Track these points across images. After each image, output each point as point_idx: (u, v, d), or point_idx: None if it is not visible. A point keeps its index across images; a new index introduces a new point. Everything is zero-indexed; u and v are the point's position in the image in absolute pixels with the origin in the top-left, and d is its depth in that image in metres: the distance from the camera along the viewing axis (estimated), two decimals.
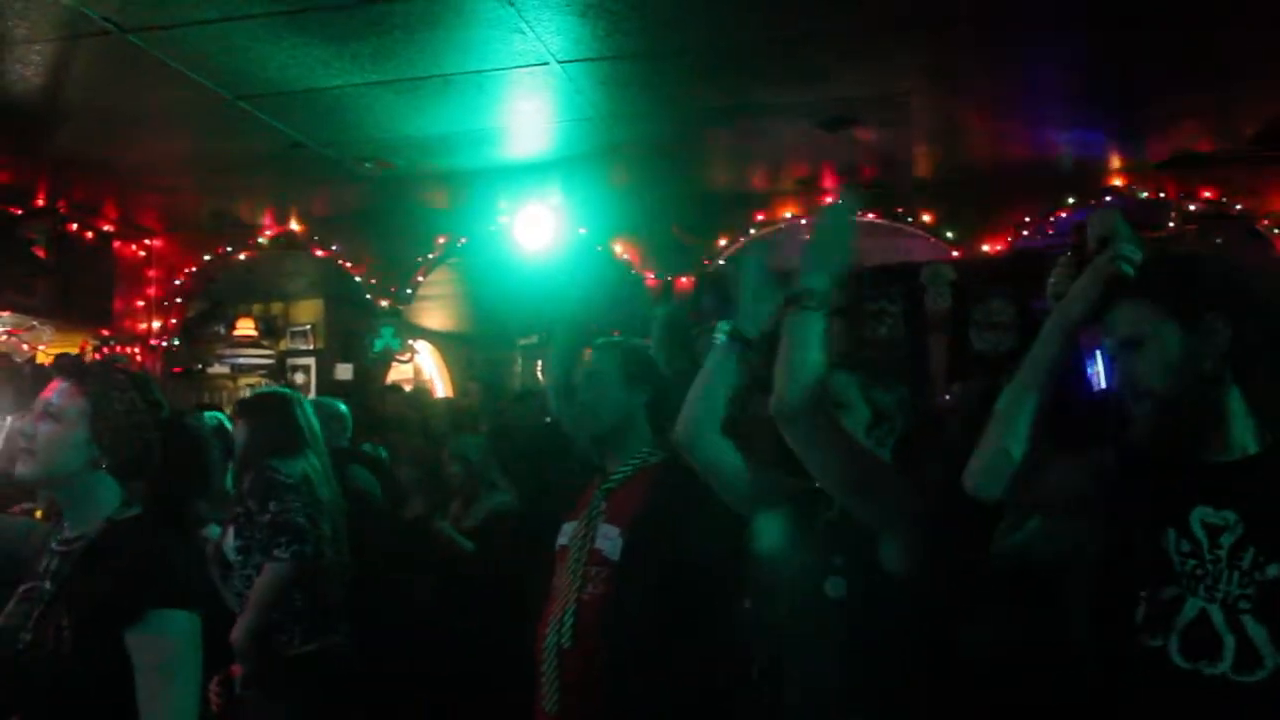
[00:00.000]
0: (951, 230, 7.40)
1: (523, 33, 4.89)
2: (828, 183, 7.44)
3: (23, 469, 2.20)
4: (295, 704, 3.81)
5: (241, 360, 8.74)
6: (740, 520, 2.61)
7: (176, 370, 8.62)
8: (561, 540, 2.92)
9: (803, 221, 7.43)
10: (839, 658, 2.29)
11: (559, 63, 5.26)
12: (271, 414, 4.00)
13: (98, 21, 4.76)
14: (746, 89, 5.75)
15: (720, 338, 2.48)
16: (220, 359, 8.76)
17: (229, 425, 4.23)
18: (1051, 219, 7.22)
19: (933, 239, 7.47)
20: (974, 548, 2.75)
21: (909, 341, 7.44)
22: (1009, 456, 2.04)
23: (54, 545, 2.23)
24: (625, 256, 7.74)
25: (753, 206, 7.62)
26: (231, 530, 3.86)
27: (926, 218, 7.43)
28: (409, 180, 7.22)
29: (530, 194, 7.35)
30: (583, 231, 7.63)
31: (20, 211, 7.41)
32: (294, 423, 3.97)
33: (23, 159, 6.84)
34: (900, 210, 7.44)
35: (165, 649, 2.06)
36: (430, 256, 8.20)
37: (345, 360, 8.62)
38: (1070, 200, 7.16)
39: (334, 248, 8.37)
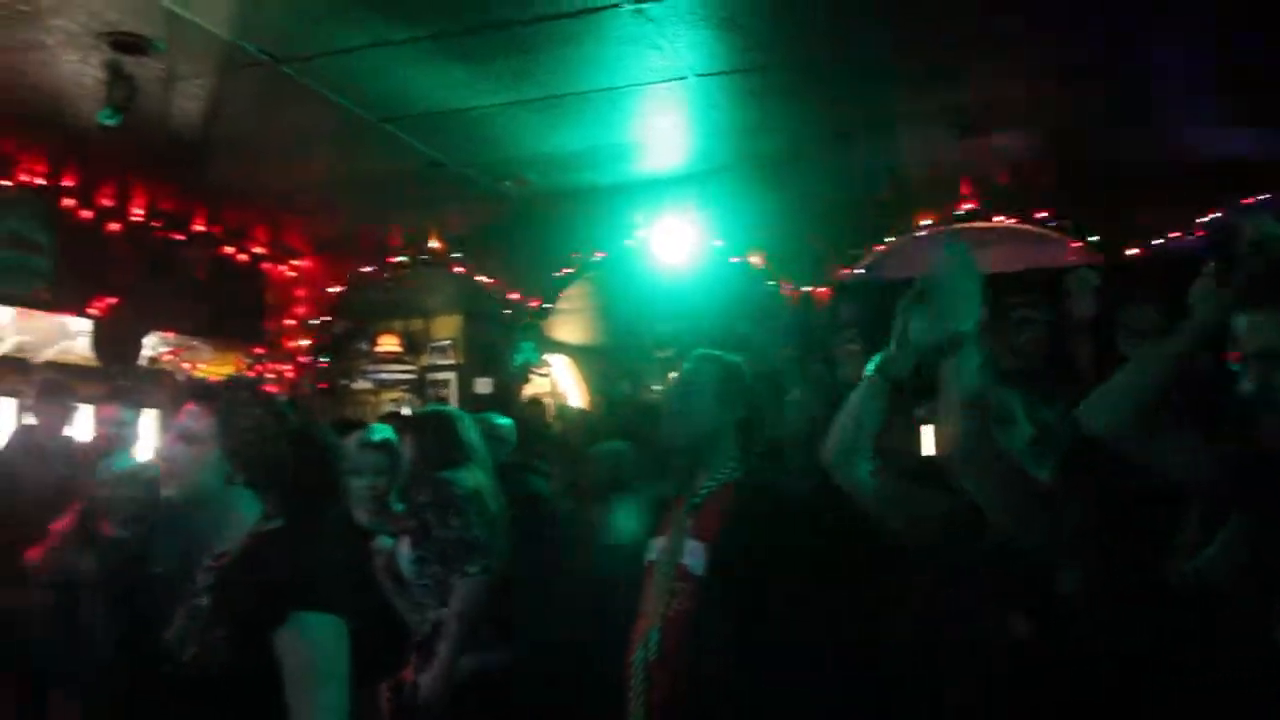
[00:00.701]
0: (1094, 234, 7.18)
1: (660, 48, 4.92)
2: (965, 189, 7.31)
3: (169, 491, 2.31)
4: (462, 717, 3.88)
5: (384, 376, 8.95)
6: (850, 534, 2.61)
7: (323, 386, 8.88)
8: (650, 555, 2.93)
9: (941, 230, 7.32)
10: (1018, 692, 2.25)
11: (696, 76, 5.28)
12: (437, 430, 4.11)
13: (254, 54, 4.96)
14: (882, 97, 5.69)
15: (870, 371, 2.50)
16: (364, 374, 8.98)
17: (394, 439, 4.33)
18: (1200, 220, 6.96)
19: (1075, 243, 7.26)
20: (1147, 565, 2.68)
21: (1053, 349, 7.25)
22: (1127, 397, 2.00)
23: (206, 562, 2.33)
24: (762, 268, 7.72)
25: (889, 215, 7.52)
26: (407, 542, 3.95)
27: (1067, 222, 7.22)
28: (546, 196, 7.31)
29: (666, 207, 7.38)
30: (719, 244, 7.63)
31: (182, 237, 7.76)
32: (458, 438, 4.07)
33: (183, 187, 7.16)
34: (1040, 215, 7.26)
35: (310, 651, 2.13)
36: (567, 271, 8.30)
37: (484, 374, 8.77)
38: (1221, 199, 6.88)
39: (473, 264, 8.53)
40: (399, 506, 4.21)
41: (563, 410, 8.70)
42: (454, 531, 3.86)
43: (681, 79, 5.31)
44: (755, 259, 7.72)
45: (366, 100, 5.51)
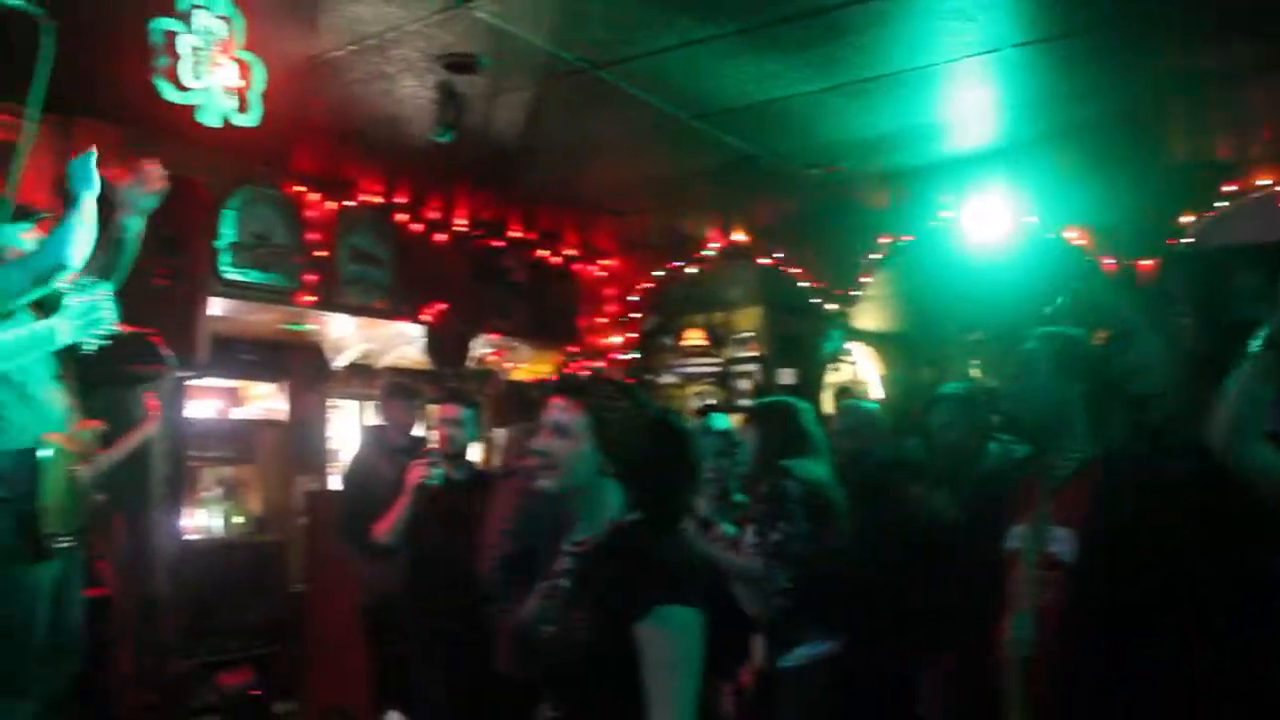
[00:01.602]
0: None
1: (974, 20, 4.77)
2: None
3: (546, 483, 2.39)
4: (792, 711, 3.90)
5: (689, 369, 9.10)
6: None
7: (630, 381, 9.10)
8: (1011, 543, 2.83)
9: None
10: None
11: (1011, 47, 5.09)
12: (781, 420, 4.16)
13: (572, 62, 5.16)
14: (1212, 50, 5.30)
15: (1256, 346, 2.33)
16: (670, 369, 9.17)
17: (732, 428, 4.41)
18: None
19: None
20: None
21: None
22: None
23: (567, 547, 2.43)
24: (1080, 243, 7.35)
25: (1220, 177, 6.98)
26: (750, 530, 4.01)
27: None
28: (853, 182, 7.24)
29: (976, 185, 7.16)
30: (1033, 219, 7.33)
31: (501, 244, 8.18)
32: (801, 429, 4.10)
33: (501, 196, 7.53)
34: None
35: (671, 643, 2.16)
36: (873, 256, 8.19)
37: (787, 365, 8.78)
38: None
39: (777, 254, 8.55)
40: (739, 496, 4.28)
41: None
42: (780, 535, 3.89)
43: (996, 50, 5.13)
44: (1073, 233, 7.36)
45: (679, 98, 5.62)
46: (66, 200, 3.49)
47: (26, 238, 3.55)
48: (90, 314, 2.33)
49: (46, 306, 3.35)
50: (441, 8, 4.59)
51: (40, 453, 3.43)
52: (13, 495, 3.41)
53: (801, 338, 8.71)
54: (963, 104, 5.92)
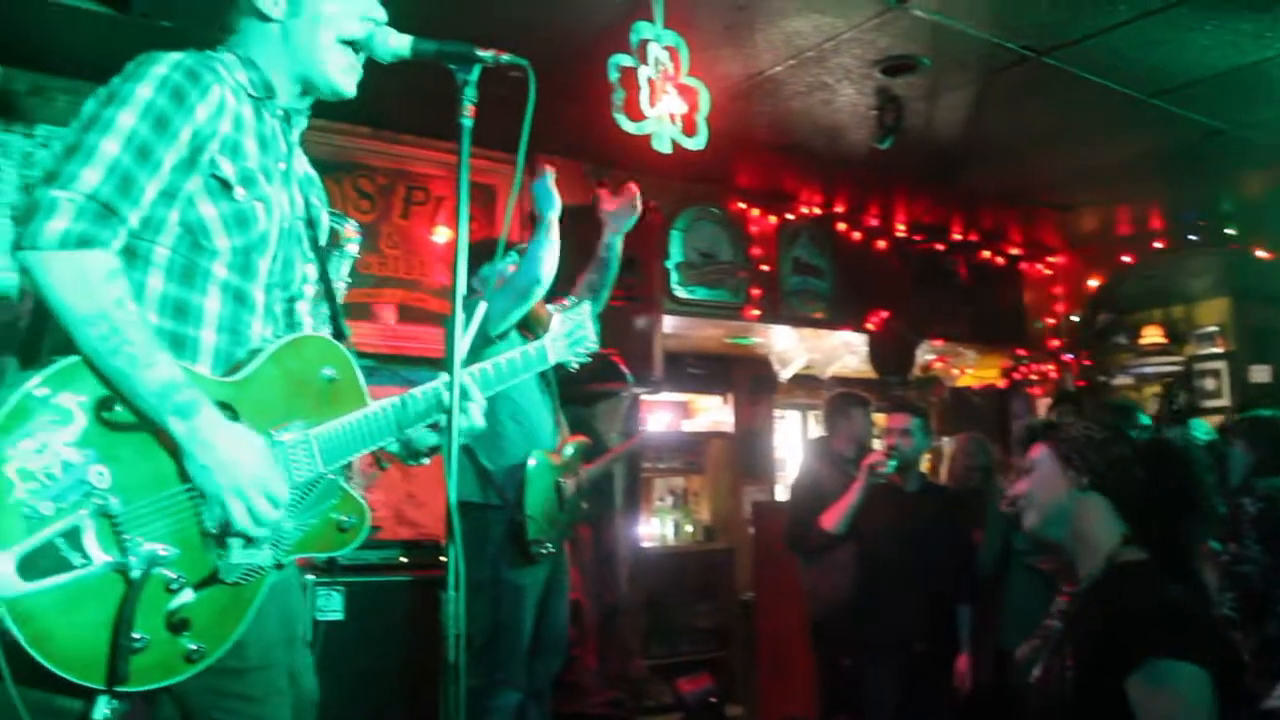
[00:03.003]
0: None
1: None
2: None
3: (1028, 523, 2.33)
4: None
5: (1147, 369, 8.53)
6: None
7: (1080, 384, 8.63)
8: None
9: None
10: None
11: None
12: (1274, 438, 3.81)
13: (1015, 51, 4.95)
14: None
15: None
16: (1125, 370, 8.62)
17: (1206, 439, 4.09)
18: None
19: None
20: None
21: None
22: None
23: (1063, 587, 2.30)
24: None
25: None
26: (1232, 549, 3.72)
27: None
28: None
29: None
30: None
31: (942, 247, 8.02)
32: None
33: (941, 198, 7.39)
34: None
35: (1167, 702, 1.94)
36: None
37: (1260, 362, 7.96)
38: None
39: (1248, 240, 7.76)
40: (1222, 508, 3.94)
41: None
42: (1228, 556, 3.55)
43: None
44: None
45: (1134, 77, 5.24)
46: (535, 224, 3.80)
47: (512, 270, 3.91)
48: (576, 333, 2.49)
49: (536, 328, 3.67)
50: (878, 11, 4.56)
51: (529, 465, 3.79)
52: (504, 504, 3.80)
53: (1277, 330, 7.98)
54: None
